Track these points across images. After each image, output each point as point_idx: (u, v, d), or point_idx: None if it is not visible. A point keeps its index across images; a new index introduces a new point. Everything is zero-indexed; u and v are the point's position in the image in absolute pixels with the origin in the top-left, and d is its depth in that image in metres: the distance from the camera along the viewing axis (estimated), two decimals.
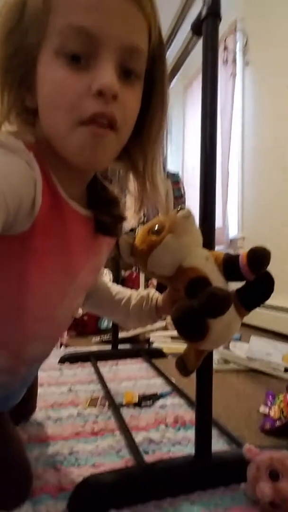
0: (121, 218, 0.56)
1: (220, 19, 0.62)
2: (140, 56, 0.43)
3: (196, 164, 0.62)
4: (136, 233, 0.57)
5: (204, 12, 0.63)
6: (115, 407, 0.85)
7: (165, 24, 0.86)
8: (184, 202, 2.19)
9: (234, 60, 2.26)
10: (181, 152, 3.28)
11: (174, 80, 0.93)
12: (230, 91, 2.26)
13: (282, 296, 1.58)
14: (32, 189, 0.40)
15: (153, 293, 0.72)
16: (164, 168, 2.16)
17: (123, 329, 1.61)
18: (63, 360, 1.26)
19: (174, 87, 3.21)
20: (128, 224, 0.59)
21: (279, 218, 1.89)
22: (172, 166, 2.88)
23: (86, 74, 0.40)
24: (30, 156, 0.40)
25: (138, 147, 0.51)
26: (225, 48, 2.28)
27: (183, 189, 2.23)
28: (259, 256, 0.49)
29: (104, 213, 0.53)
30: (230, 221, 2.37)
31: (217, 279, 0.50)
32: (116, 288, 0.76)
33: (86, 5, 0.38)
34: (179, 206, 0.55)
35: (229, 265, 0.51)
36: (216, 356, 1.20)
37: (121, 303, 0.72)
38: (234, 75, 2.26)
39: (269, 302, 0.52)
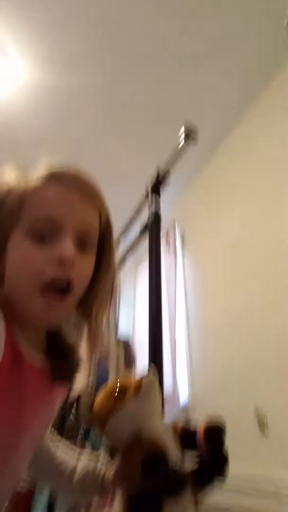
0: (77, 366, 0.58)
1: (160, 226, 0.86)
2: (92, 232, 0.54)
3: (146, 332, 0.68)
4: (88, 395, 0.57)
5: (150, 217, 0.86)
6: None
7: (122, 222, 1.13)
8: (135, 368, 2.19)
9: (175, 246, 2.76)
10: (132, 319, 3.48)
11: (128, 259, 1.14)
12: (173, 270, 2.66)
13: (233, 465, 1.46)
14: None
15: (101, 465, 0.65)
16: (116, 334, 2.26)
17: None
18: None
19: (128, 264, 3.69)
20: (77, 386, 0.59)
21: (227, 386, 1.93)
22: (123, 332, 3.00)
23: (49, 249, 0.48)
24: None
25: (89, 301, 0.57)
26: (167, 236, 2.82)
27: (134, 354, 2.27)
28: (216, 435, 0.49)
29: (61, 362, 0.55)
30: (180, 388, 2.35)
31: (173, 452, 0.48)
32: (60, 455, 0.68)
33: (52, 202, 0.51)
34: (133, 368, 0.57)
35: (187, 440, 0.50)
36: None
37: (63, 474, 0.65)
38: (176, 257, 2.71)
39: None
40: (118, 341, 2.20)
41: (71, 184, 0.53)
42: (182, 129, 0.80)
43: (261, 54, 1.94)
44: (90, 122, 2.37)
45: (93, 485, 0.63)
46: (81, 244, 0.52)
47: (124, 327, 3.44)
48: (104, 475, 0.63)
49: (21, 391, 0.49)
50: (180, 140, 0.88)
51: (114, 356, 1.93)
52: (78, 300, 0.54)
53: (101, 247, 0.58)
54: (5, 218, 0.51)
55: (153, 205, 0.85)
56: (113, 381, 0.56)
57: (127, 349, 2.17)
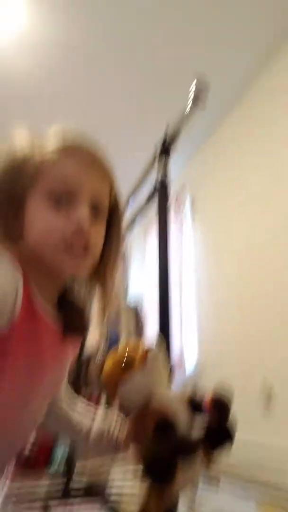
0: (87, 324, 0.64)
1: (169, 190, 0.84)
2: (104, 201, 0.59)
3: (155, 297, 0.70)
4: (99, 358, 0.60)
5: (158, 180, 0.85)
6: None
7: (129, 186, 1.11)
8: (144, 334, 2.24)
9: (184, 214, 2.73)
10: (141, 284, 3.51)
11: (136, 225, 1.13)
12: (182, 235, 2.66)
13: (240, 427, 1.53)
14: (13, 296, 0.48)
15: (115, 425, 0.69)
16: (126, 299, 2.30)
17: (78, 465, 1.42)
18: (6, 501, 1.07)
19: (137, 227, 3.67)
20: (91, 345, 0.63)
21: (235, 349, 1.96)
22: (133, 297, 3.05)
23: (68, 214, 0.53)
24: (16, 269, 0.50)
25: (100, 267, 0.63)
26: (177, 203, 2.77)
27: (143, 321, 2.32)
28: (222, 406, 0.52)
29: (72, 318, 0.60)
30: (188, 356, 2.40)
31: (183, 419, 0.51)
32: (76, 417, 0.72)
33: (70, 175, 0.56)
34: (142, 339, 0.60)
35: (194, 408, 0.53)
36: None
37: (80, 434, 0.69)
38: (184, 223, 2.69)
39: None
40: (128, 307, 2.23)
41: (86, 158, 0.58)
42: (194, 83, 0.76)
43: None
44: (97, 79, 2.27)
45: (108, 445, 0.67)
46: (94, 211, 0.57)
47: (134, 292, 3.49)
48: (118, 436, 0.67)
49: (37, 344, 0.53)
50: (189, 101, 0.84)
51: (125, 321, 1.97)
52: (94, 262, 0.60)
53: (111, 217, 0.63)
54: (21, 182, 0.56)
55: (161, 169, 0.83)
56: (121, 350, 0.59)
57: (136, 315, 2.21)
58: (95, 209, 0.57)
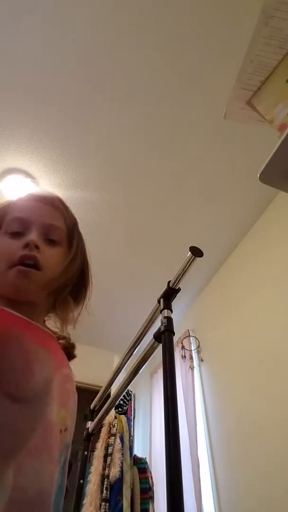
0: (73, 345, 0.73)
1: (173, 334, 0.90)
2: (57, 230, 0.68)
3: (163, 450, 0.67)
4: None
5: (162, 328, 0.91)
6: None
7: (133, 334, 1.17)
8: (152, 497, 1.91)
9: (191, 357, 2.70)
10: (148, 437, 3.17)
11: (142, 369, 1.15)
12: (190, 381, 2.56)
13: None
14: None
15: None
16: (131, 453, 2.06)
17: None
18: None
19: (142, 375, 3.54)
20: None
21: (255, 504, 1.67)
22: (139, 451, 2.72)
23: (20, 239, 0.63)
24: None
25: (62, 287, 0.66)
26: (183, 347, 2.77)
27: (151, 479, 2.01)
28: None
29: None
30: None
31: None
32: None
33: (23, 208, 0.68)
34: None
35: None
36: None
37: None
38: (192, 368, 2.63)
39: None
40: (133, 461, 1.98)
41: (40, 197, 0.71)
42: (189, 254, 0.92)
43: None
44: (113, 238, 2.64)
45: None
46: (48, 238, 0.66)
47: (139, 443, 3.13)
48: None
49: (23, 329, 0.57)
50: (188, 259, 0.96)
51: (128, 481, 1.72)
52: (50, 285, 0.63)
53: (71, 243, 0.71)
54: None
55: (165, 319, 0.91)
56: None
57: (142, 473, 1.94)
58: (48, 236, 0.66)
